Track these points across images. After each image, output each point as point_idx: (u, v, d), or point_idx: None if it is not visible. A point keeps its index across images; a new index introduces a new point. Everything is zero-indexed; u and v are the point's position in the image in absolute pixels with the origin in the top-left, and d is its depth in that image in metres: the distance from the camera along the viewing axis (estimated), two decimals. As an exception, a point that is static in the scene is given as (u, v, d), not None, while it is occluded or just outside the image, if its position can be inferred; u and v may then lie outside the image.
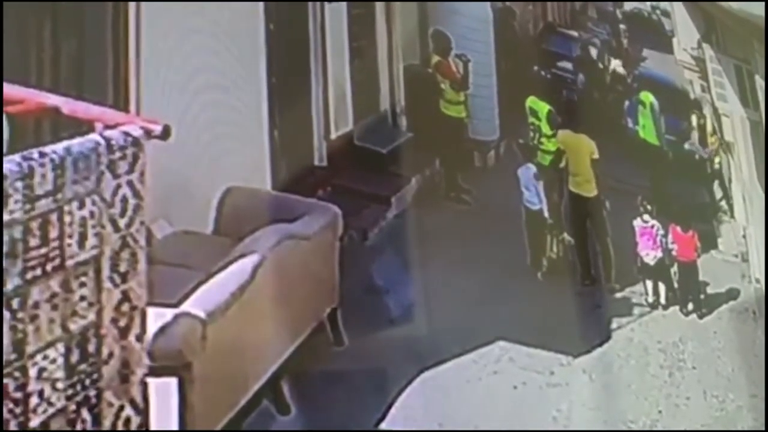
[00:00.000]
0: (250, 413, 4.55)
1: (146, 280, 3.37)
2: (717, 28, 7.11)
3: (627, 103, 7.63)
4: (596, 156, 6.51)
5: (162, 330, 3.85)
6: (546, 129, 6.80)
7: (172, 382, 3.91)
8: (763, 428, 5.50)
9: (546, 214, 6.48)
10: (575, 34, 7.83)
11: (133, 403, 3.34)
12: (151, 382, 3.43)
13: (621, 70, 7.80)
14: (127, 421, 3.32)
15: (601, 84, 7.75)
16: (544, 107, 6.85)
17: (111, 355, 3.26)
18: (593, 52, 7.79)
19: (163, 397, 3.81)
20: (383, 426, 4.90)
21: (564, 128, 6.74)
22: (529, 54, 7.46)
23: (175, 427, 3.90)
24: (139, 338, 3.35)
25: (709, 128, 7.24)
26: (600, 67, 7.79)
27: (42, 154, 3.04)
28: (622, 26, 7.97)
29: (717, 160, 7.25)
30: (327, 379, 4.77)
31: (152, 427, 3.47)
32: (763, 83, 6.41)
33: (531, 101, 6.94)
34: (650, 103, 7.30)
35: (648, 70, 7.77)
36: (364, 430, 4.65)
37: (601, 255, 6.45)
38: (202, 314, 4.10)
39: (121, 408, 3.30)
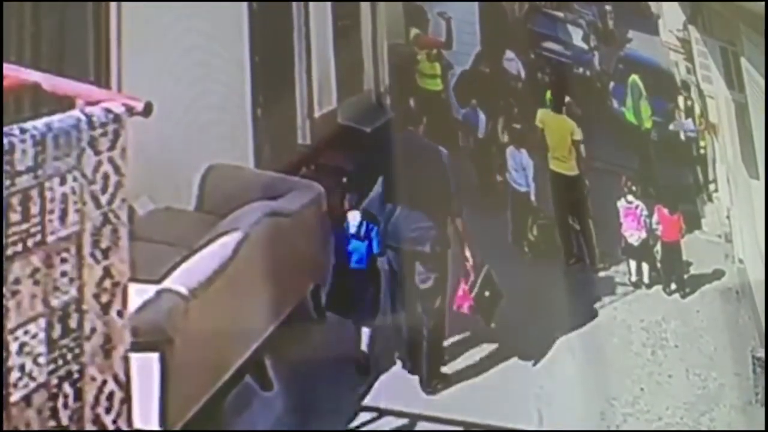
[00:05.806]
0: (232, 389, 4.56)
1: (128, 256, 3.37)
2: (703, 10, 7.10)
3: (612, 84, 7.63)
4: (577, 137, 6.52)
5: (144, 306, 3.86)
6: None
7: (154, 357, 3.92)
8: (746, 406, 5.55)
9: (533, 197, 6.50)
10: (561, 14, 7.82)
11: (116, 378, 3.34)
12: (134, 357, 3.44)
13: (606, 51, 7.80)
14: (110, 395, 3.33)
15: (586, 65, 7.75)
16: None
17: (93, 330, 3.26)
18: (579, 32, 7.78)
19: (146, 372, 3.82)
20: (367, 401, 4.94)
21: (548, 108, 6.75)
22: (514, 34, 7.45)
23: (157, 402, 3.92)
24: (121, 314, 3.34)
25: (697, 111, 7.25)
26: (585, 47, 7.78)
27: (22, 130, 3.02)
28: (607, 7, 7.96)
29: (702, 143, 7.26)
30: (310, 356, 4.78)
31: (134, 402, 3.48)
32: (748, 65, 6.41)
33: (517, 81, 6.94)
34: (636, 85, 7.30)
35: (633, 51, 7.76)
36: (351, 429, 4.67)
37: (582, 235, 6.47)
38: (184, 291, 4.12)
39: (104, 383, 3.30)
